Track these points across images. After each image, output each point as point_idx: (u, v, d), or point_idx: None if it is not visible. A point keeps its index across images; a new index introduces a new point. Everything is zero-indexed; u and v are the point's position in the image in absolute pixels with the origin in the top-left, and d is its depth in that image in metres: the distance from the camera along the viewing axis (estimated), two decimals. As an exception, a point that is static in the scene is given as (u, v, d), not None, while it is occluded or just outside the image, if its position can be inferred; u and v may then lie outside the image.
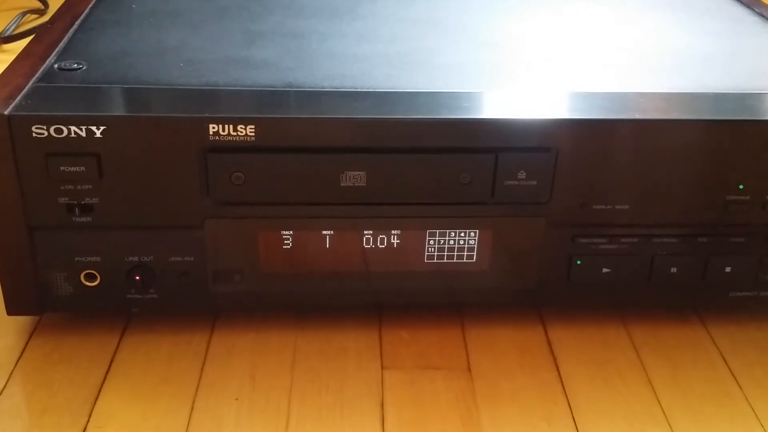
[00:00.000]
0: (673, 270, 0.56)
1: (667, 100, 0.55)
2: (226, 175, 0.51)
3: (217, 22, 0.65)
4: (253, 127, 0.50)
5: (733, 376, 0.55)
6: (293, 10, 0.68)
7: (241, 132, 0.50)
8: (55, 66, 0.55)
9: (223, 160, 0.51)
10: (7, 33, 1.01)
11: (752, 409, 0.52)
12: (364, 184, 0.52)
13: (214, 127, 0.50)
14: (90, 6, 0.67)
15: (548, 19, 0.68)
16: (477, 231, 0.55)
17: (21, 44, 0.78)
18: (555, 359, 0.56)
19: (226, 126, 0.50)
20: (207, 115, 0.50)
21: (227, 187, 0.51)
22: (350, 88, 0.54)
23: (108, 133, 0.49)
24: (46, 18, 1.06)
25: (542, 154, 0.52)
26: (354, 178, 0.52)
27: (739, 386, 0.54)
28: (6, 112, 0.49)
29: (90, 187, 0.51)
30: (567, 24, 0.67)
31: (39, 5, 1.11)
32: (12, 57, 0.58)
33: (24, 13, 1.08)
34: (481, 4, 0.72)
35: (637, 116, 0.52)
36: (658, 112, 0.52)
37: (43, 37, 0.61)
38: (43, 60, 0.56)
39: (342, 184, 0.52)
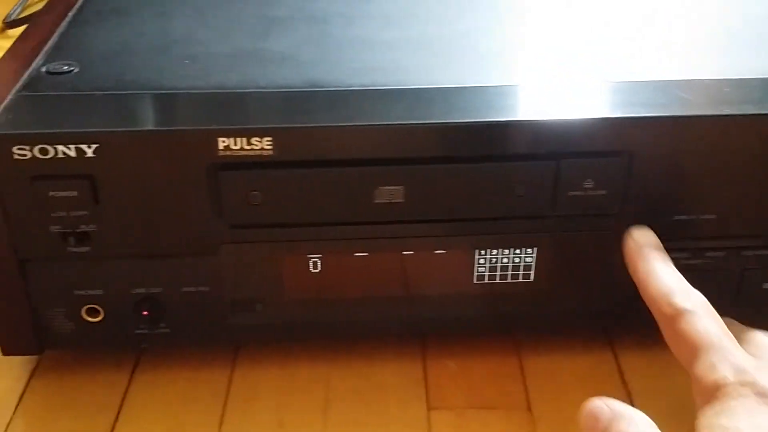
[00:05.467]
0: (766, 285, 0.48)
1: (760, 88, 0.46)
2: (241, 195, 0.44)
3: (227, 6, 0.57)
4: (270, 139, 0.42)
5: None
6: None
7: (256, 146, 0.42)
8: (43, 69, 0.48)
9: (236, 178, 0.43)
10: (12, 17, 0.94)
11: None
12: (402, 200, 0.44)
13: (224, 141, 0.42)
14: (86, -9, 0.60)
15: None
16: (535, 248, 0.47)
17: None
18: (629, 392, 0.48)
19: (239, 140, 0.42)
20: (215, 127, 0.42)
21: (243, 208, 0.44)
22: (381, 86, 0.46)
23: (101, 152, 0.42)
24: (52, -2, 0.99)
25: (613, 159, 0.44)
26: (390, 193, 0.44)
27: None
28: (-18, 133, 0.42)
29: (85, 213, 0.44)
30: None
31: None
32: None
33: (29, -6, 1.00)
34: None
35: (727, 111, 0.43)
36: (751, 105, 0.44)
37: (32, 32, 0.54)
38: (30, 61, 0.49)
39: (376, 201, 0.44)
